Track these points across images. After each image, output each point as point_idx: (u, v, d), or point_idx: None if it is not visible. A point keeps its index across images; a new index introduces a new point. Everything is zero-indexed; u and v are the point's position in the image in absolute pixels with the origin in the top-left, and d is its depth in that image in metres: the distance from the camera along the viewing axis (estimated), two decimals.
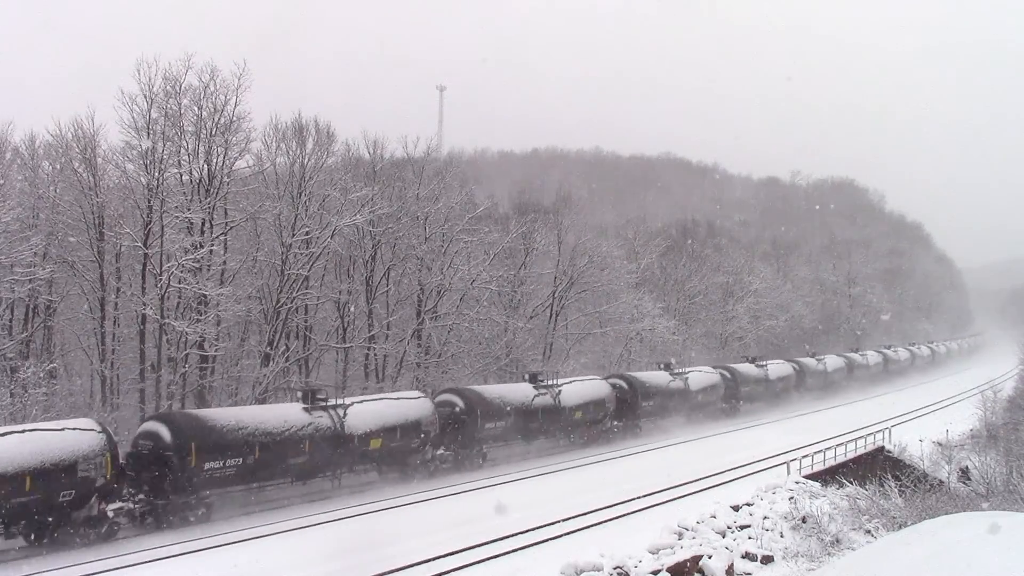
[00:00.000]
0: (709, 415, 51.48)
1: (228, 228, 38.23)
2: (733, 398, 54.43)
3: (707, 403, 51.55)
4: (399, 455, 31.72)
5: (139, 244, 34.25)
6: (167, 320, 33.99)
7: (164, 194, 35.03)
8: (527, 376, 40.03)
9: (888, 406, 56.35)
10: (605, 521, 24.77)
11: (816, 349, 76.83)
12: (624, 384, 44.49)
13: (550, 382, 39.51)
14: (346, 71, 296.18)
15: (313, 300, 41.19)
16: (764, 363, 60.48)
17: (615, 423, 43.14)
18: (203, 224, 36.46)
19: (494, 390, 37.35)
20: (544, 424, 38.34)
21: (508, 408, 35.96)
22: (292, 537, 23.73)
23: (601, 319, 55.82)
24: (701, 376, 51.44)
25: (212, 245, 36.36)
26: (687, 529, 22.59)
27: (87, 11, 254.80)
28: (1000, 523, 13.57)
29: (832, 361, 72.96)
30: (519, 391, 37.73)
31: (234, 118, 36.56)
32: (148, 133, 34.67)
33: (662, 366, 50.10)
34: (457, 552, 20.82)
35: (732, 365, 57.55)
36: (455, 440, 34.22)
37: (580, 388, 40.99)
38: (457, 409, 34.51)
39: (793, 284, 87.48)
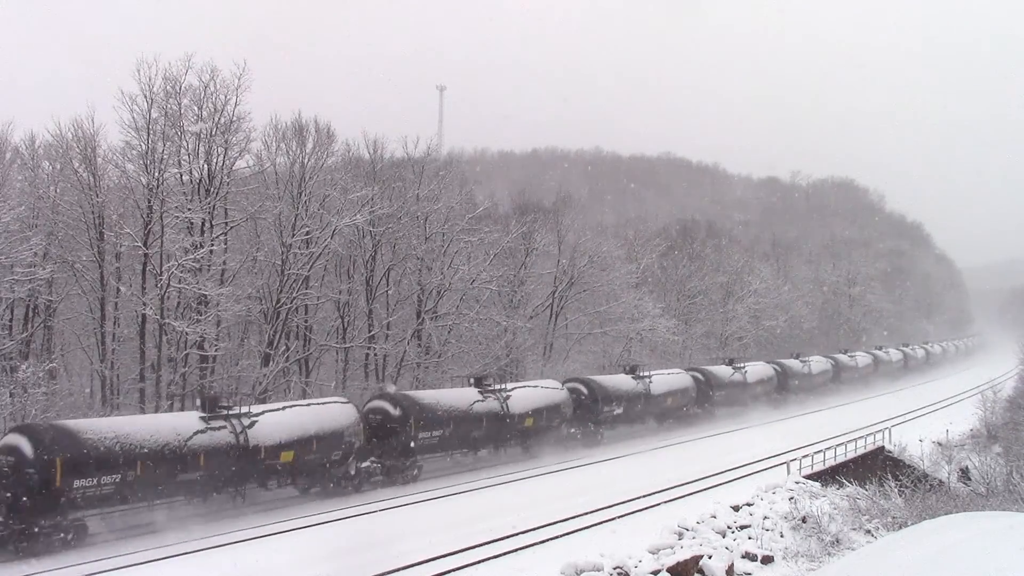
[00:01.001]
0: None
1: (228, 228, 38.25)
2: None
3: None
4: None
5: (139, 244, 34.25)
6: (167, 320, 33.98)
7: (164, 194, 35.02)
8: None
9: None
10: (605, 521, 24.78)
11: (817, 349, 76.71)
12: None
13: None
14: (346, 71, 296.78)
15: (313, 300, 41.17)
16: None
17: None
18: (203, 224, 36.45)
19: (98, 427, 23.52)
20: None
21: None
22: (291, 537, 23.70)
23: (601, 319, 55.75)
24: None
25: (212, 245, 36.36)
26: (687, 529, 22.62)
27: (87, 11, 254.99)
28: (1001, 523, 13.58)
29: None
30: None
31: (234, 118, 36.61)
32: (148, 133, 34.68)
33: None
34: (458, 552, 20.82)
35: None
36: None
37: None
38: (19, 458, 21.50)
39: (793, 284, 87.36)
